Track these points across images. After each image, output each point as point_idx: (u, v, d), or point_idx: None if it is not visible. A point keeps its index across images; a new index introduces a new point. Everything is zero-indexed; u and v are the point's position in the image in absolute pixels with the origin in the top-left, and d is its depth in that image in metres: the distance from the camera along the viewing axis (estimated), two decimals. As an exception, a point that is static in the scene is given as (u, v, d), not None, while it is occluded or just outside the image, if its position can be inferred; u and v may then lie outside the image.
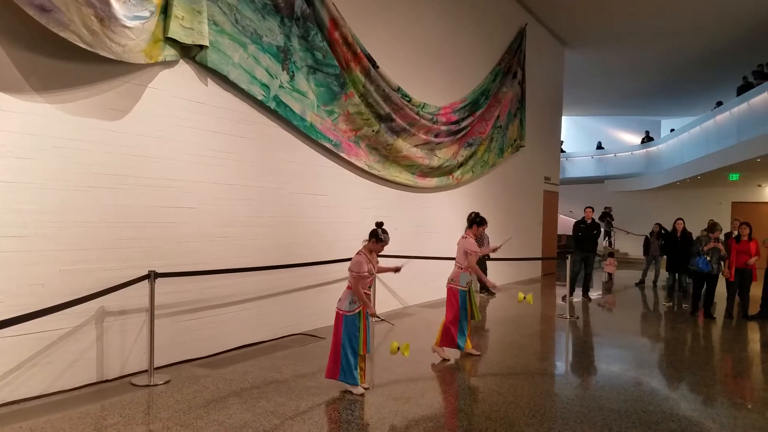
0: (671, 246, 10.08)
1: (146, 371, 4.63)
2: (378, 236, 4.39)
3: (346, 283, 4.50)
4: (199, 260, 5.31)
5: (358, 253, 4.39)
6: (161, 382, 4.53)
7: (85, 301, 4.11)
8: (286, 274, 6.34)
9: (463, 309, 5.51)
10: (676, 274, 9.98)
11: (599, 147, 24.09)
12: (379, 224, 4.46)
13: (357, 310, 4.34)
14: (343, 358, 4.31)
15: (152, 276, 4.58)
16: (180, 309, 5.16)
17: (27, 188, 4.03)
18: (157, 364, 4.74)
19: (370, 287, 4.48)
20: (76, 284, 4.28)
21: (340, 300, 4.44)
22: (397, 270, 4.80)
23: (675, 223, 10.17)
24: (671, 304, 9.88)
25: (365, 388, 4.44)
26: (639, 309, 9.67)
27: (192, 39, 4.98)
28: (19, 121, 3.99)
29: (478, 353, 5.68)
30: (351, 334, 4.31)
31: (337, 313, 4.39)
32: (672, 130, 21.04)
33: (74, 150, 4.32)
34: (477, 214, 5.69)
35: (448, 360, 5.48)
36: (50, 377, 4.17)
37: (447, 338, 5.52)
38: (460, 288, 5.55)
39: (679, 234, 9.92)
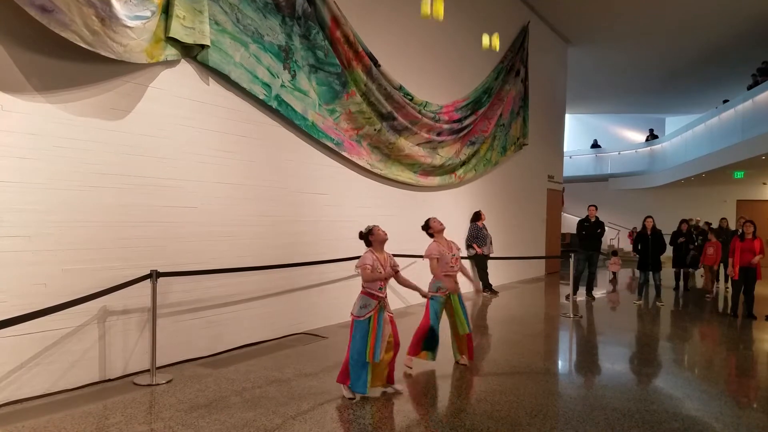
0: (642, 244, 9.82)
1: (148, 371, 4.63)
2: (364, 235, 4.43)
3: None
4: (201, 259, 5.32)
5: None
6: (163, 382, 4.53)
7: (87, 300, 4.11)
8: (289, 273, 6.34)
9: (433, 318, 5.06)
10: (649, 273, 9.70)
11: (595, 146, 24.03)
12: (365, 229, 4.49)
13: (367, 315, 4.21)
14: (350, 364, 4.21)
15: (154, 275, 4.59)
16: (182, 308, 5.17)
17: (29, 188, 4.04)
18: (159, 363, 4.74)
19: (380, 288, 4.29)
20: (78, 284, 4.29)
21: (354, 305, 4.35)
22: (424, 296, 4.73)
23: (644, 221, 9.94)
24: (641, 302, 9.73)
25: (397, 390, 4.39)
26: (643, 307, 9.62)
27: (193, 38, 4.98)
28: (21, 121, 4.00)
29: (464, 363, 5.22)
30: (359, 340, 4.19)
31: (351, 318, 4.33)
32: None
33: (76, 150, 4.33)
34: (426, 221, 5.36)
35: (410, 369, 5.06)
36: (53, 377, 4.18)
37: (414, 345, 5.11)
38: (431, 295, 5.13)
39: (649, 232, 9.73)
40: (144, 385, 4.45)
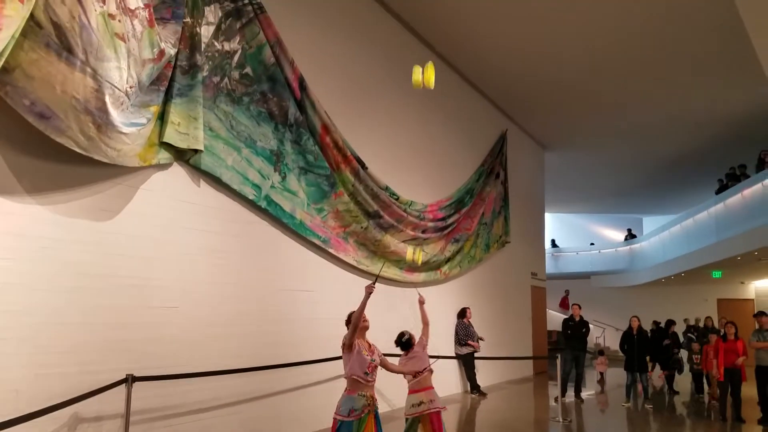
0: (628, 345, 9.69)
1: (115, 485, 4.32)
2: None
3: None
4: (180, 362, 5.13)
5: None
6: (130, 498, 4.21)
7: (59, 408, 3.91)
8: (271, 375, 6.13)
9: None
10: (638, 374, 9.48)
11: (554, 245, 24.53)
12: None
13: (355, 417, 4.08)
14: None
15: (130, 380, 4.42)
16: (157, 414, 4.91)
17: (8, 289, 3.97)
18: (127, 477, 4.43)
19: (366, 373, 4.17)
20: (52, 389, 4.09)
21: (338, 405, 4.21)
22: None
23: (630, 320, 9.88)
24: (629, 404, 9.47)
25: None
26: (632, 410, 9.35)
27: (187, 143, 5.14)
28: (6, 222, 4.00)
29: None
30: None
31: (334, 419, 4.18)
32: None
33: (60, 250, 4.31)
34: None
35: None
36: (10, 493, 3.87)
37: None
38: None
39: (635, 332, 9.65)
40: (109, 503, 4.13)
